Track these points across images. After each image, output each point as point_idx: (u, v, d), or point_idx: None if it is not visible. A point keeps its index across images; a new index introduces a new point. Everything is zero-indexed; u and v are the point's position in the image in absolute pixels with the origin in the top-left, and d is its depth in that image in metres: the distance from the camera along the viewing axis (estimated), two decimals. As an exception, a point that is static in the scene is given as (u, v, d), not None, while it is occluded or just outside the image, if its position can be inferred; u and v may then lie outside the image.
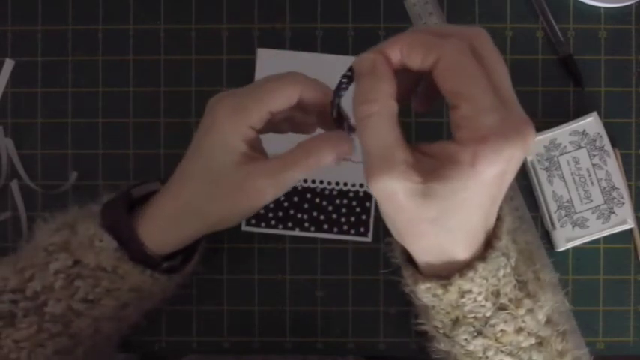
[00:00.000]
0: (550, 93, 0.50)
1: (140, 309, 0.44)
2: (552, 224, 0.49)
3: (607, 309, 0.49)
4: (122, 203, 0.41)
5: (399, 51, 0.31)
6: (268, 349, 0.50)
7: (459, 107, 0.29)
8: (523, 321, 0.33)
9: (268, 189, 0.38)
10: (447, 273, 0.33)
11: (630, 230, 0.49)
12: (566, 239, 0.49)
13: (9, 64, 0.50)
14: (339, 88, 0.34)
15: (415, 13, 0.50)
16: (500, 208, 0.33)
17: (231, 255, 0.50)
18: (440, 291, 0.33)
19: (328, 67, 0.50)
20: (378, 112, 0.30)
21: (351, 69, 0.33)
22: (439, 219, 0.30)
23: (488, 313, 0.33)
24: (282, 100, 0.37)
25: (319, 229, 0.50)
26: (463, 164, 0.28)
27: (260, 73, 0.50)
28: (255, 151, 0.38)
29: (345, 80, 0.34)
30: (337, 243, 0.50)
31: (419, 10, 0.50)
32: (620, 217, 0.49)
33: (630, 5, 0.50)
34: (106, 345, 0.44)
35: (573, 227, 0.49)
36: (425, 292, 0.33)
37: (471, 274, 0.32)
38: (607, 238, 0.49)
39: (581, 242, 0.49)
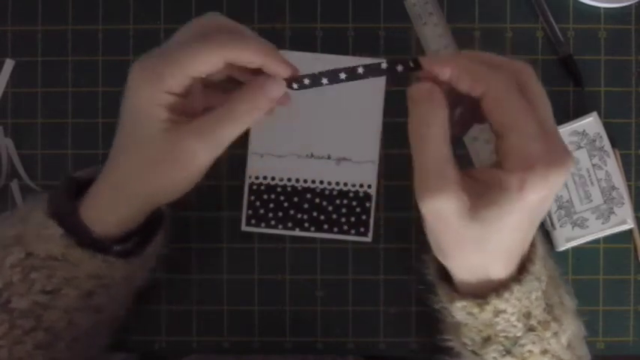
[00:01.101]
0: (550, 93, 0.49)
1: (113, 298, 0.42)
2: (552, 224, 0.49)
3: (607, 309, 0.49)
4: (65, 188, 0.40)
5: (449, 73, 0.33)
6: (268, 349, 0.50)
7: (507, 137, 0.31)
8: (549, 343, 0.35)
9: (200, 150, 0.36)
10: (482, 292, 0.34)
11: (630, 230, 0.49)
12: (566, 239, 0.49)
13: (9, 64, 0.50)
14: (397, 66, 0.35)
15: (415, 13, 0.50)
16: (534, 235, 0.35)
17: (231, 255, 0.50)
18: (476, 310, 0.34)
19: (328, 68, 0.49)
20: (435, 134, 0.32)
21: (415, 62, 0.34)
22: (483, 240, 0.32)
23: (519, 334, 0.35)
24: (204, 66, 0.35)
25: (319, 229, 0.50)
26: (511, 190, 0.30)
27: (260, 73, 0.50)
28: (184, 114, 0.36)
29: (410, 66, 0.35)
30: (337, 243, 0.50)
31: (419, 10, 0.50)
32: (620, 217, 0.49)
33: (630, 5, 0.50)
34: (91, 340, 0.43)
35: (573, 227, 0.49)
36: (460, 309, 0.35)
37: (506, 294, 0.34)
38: (607, 238, 0.49)
39: (581, 242, 0.49)
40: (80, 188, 0.41)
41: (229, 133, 0.36)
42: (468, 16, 0.50)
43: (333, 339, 0.50)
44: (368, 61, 0.37)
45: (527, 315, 0.35)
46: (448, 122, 0.33)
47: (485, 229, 0.32)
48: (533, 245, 0.35)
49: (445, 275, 0.37)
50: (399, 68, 0.35)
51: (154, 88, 0.35)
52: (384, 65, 0.35)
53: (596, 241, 0.49)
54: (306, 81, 0.37)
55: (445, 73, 0.33)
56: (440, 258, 0.35)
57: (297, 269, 0.50)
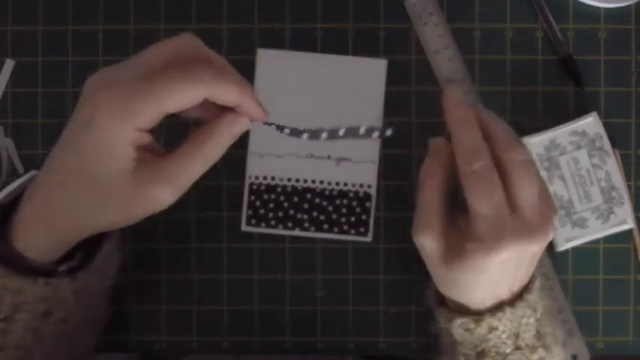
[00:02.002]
0: (550, 93, 0.50)
1: (76, 308, 0.39)
2: (552, 224, 0.49)
3: (607, 309, 0.49)
4: None
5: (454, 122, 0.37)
6: (268, 349, 0.50)
7: (477, 215, 0.35)
8: None
9: (166, 195, 0.34)
10: (476, 311, 0.38)
11: (630, 230, 0.49)
12: (566, 239, 0.49)
13: (9, 64, 0.50)
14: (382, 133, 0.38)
15: (415, 13, 0.50)
16: (535, 268, 0.39)
17: (231, 255, 0.50)
18: (472, 325, 0.38)
19: (328, 67, 0.50)
20: (438, 185, 0.37)
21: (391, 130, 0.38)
22: (458, 283, 0.37)
23: (508, 350, 0.38)
24: (183, 102, 0.33)
25: (319, 229, 0.50)
26: (469, 253, 0.35)
27: (260, 73, 0.50)
28: (146, 150, 0.34)
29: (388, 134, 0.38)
30: (337, 243, 0.50)
31: (419, 10, 0.50)
32: (620, 217, 0.49)
33: (630, 5, 0.50)
34: (71, 342, 0.41)
35: (573, 227, 0.49)
36: (459, 326, 0.38)
37: (499, 314, 0.37)
38: (607, 238, 0.49)
39: (581, 242, 0.49)
40: (6, 210, 0.38)
41: (197, 174, 0.35)
42: (468, 16, 0.50)
43: (333, 339, 0.50)
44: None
45: (517, 335, 0.38)
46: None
47: (457, 277, 0.37)
48: (533, 277, 0.39)
49: (442, 300, 0.41)
50: (375, 135, 0.38)
51: (125, 124, 0.32)
52: (362, 131, 0.38)
53: (596, 241, 0.49)
54: (273, 127, 0.37)
55: (454, 121, 0.37)
56: (437, 286, 0.40)
57: (297, 269, 0.50)
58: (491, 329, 0.38)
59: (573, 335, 0.49)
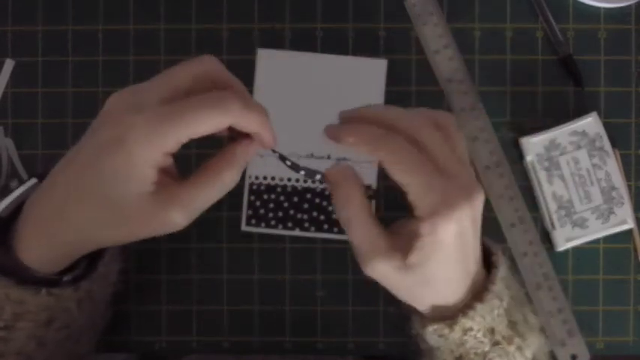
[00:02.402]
0: (550, 93, 0.50)
1: (79, 315, 0.40)
2: (552, 224, 0.49)
3: (607, 309, 0.49)
4: None
5: (353, 141, 0.36)
6: (268, 349, 0.50)
7: (408, 192, 0.35)
8: (514, 356, 0.38)
9: (181, 219, 0.34)
10: (449, 315, 0.37)
11: (630, 230, 0.49)
12: (566, 239, 0.49)
13: (9, 64, 0.50)
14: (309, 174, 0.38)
15: (415, 13, 0.50)
16: (496, 256, 0.39)
17: (231, 255, 0.50)
18: (446, 330, 0.37)
19: (328, 67, 0.50)
20: (355, 214, 0.36)
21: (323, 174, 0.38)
22: (425, 281, 0.36)
23: (487, 348, 0.38)
24: (210, 129, 0.34)
25: (319, 229, 0.50)
26: (426, 236, 0.34)
27: (260, 73, 0.50)
28: (166, 173, 0.35)
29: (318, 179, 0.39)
30: (337, 243, 0.50)
31: (419, 10, 0.50)
32: (620, 217, 0.49)
33: (630, 5, 0.50)
34: (73, 345, 0.42)
35: (573, 227, 0.49)
36: (432, 333, 0.38)
37: (471, 313, 0.37)
38: (607, 238, 0.49)
39: (581, 242, 0.49)
40: (7, 220, 0.38)
41: (213, 200, 0.35)
42: (468, 16, 0.50)
43: (333, 339, 0.50)
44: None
45: (492, 331, 0.38)
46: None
47: (423, 272, 0.35)
48: (495, 267, 0.38)
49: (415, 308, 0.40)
50: (318, 177, 0.38)
51: (153, 150, 0.33)
52: (318, 177, 0.38)
53: (596, 241, 0.49)
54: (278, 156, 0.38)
55: (349, 142, 0.36)
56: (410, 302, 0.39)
57: (297, 269, 0.50)
58: (466, 331, 0.37)
59: (573, 335, 0.49)
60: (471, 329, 0.37)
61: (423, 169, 0.34)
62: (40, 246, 0.36)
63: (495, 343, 0.38)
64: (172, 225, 0.35)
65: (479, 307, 0.37)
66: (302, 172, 0.38)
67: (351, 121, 0.37)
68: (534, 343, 0.39)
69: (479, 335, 0.37)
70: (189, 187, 0.35)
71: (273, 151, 0.38)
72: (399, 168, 0.35)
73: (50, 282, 0.37)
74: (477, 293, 0.38)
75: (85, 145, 0.35)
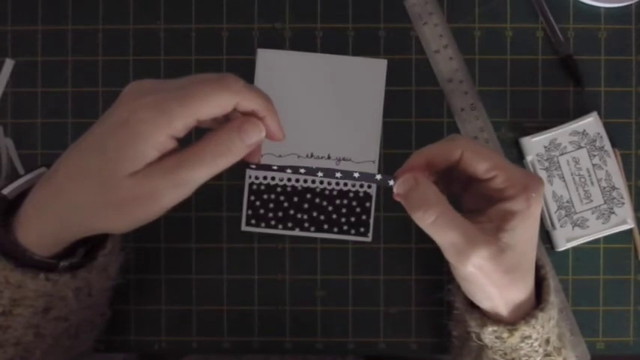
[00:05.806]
0: (550, 93, 0.50)
1: (77, 307, 0.40)
2: (552, 224, 0.49)
3: (607, 309, 0.49)
4: None
5: (425, 160, 0.38)
6: (268, 349, 0.50)
7: (497, 176, 0.37)
8: None
9: (164, 191, 0.34)
10: (510, 319, 0.38)
11: (630, 230, 0.49)
12: (566, 239, 0.49)
13: (9, 64, 0.50)
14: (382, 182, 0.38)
15: (415, 13, 0.50)
16: (545, 269, 0.40)
17: (231, 255, 0.50)
18: (505, 334, 0.38)
19: (328, 67, 0.50)
20: (441, 212, 0.35)
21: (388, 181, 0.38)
22: (513, 266, 0.36)
23: (538, 358, 0.39)
24: (215, 109, 0.34)
25: (319, 229, 0.50)
26: (523, 211, 0.36)
27: (260, 73, 0.50)
28: (167, 155, 0.35)
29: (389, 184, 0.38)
30: (337, 243, 0.50)
31: (419, 10, 0.50)
32: (620, 217, 0.49)
33: (630, 5, 0.50)
34: (73, 340, 0.42)
35: (573, 227, 0.49)
36: (490, 334, 0.38)
37: (533, 321, 0.37)
38: (607, 238, 0.49)
39: (581, 242, 0.49)
40: (11, 203, 0.38)
41: (199, 176, 0.34)
42: (468, 16, 0.50)
43: (333, 339, 0.50)
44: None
45: (547, 341, 0.39)
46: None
47: (512, 256, 0.36)
48: (546, 279, 0.40)
49: (472, 302, 0.40)
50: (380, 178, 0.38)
51: (161, 130, 0.33)
52: (356, 175, 0.38)
53: (596, 241, 0.49)
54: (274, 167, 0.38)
55: (421, 162, 0.38)
56: (478, 302, 0.39)
57: (297, 269, 0.50)
58: (524, 338, 0.38)
59: (573, 335, 0.49)
60: (529, 337, 0.38)
61: (498, 155, 0.38)
62: (38, 225, 0.36)
63: (547, 354, 0.39)
64: (157, 196, 0.34)
65: (540, 315, 0.38)
66: (338, 175, 0.38)
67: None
68: (572, 354, 0.41)
69: (535, 344, 0.38)
70: (173, 156, 0.34)
71: (280, 168, 0.38)
72: (481, 156, 0.37)
73: (47, 267, 0.37)
74: (534, 304, 0.39)
75: (94, 129, 0.35)
